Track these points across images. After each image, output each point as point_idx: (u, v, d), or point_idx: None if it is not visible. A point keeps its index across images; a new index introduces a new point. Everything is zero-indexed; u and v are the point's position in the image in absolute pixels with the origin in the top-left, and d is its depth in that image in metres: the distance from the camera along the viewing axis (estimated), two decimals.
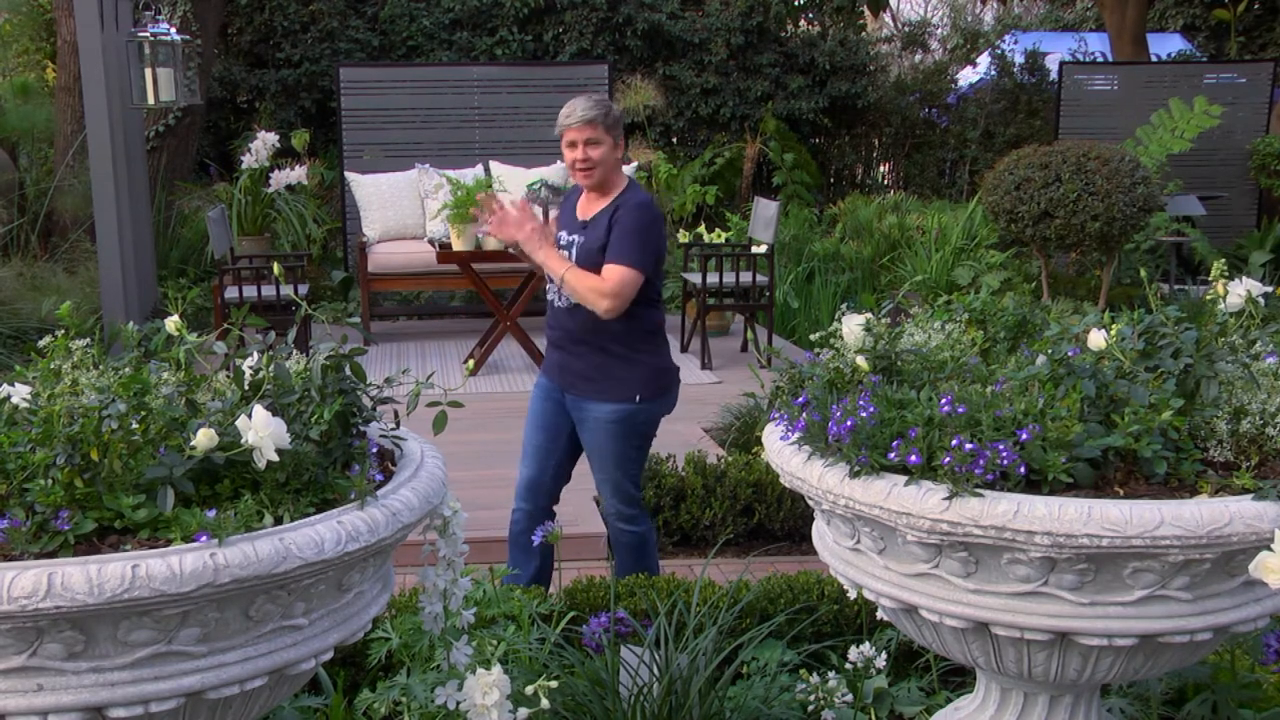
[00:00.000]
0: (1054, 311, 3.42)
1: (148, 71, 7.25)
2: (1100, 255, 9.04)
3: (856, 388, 2.29)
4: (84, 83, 7.02)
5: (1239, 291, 2.23)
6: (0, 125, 9.13)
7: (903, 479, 1.99)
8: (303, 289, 7.56)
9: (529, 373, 7.62)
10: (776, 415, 2.34)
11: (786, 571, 3.68)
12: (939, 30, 18.85)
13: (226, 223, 7.98)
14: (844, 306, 2.59)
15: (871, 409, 2.08)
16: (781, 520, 4.85)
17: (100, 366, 2.16)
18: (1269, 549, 1.75)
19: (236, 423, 1.78)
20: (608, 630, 2.99)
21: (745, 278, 7.98)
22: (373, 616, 1.96)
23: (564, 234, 3.71)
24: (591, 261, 3.55)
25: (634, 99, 11.43)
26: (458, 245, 7.60)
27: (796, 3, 13.56)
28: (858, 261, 10.29)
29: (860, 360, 2.31)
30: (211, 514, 1.68)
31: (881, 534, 2.08)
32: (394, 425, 2.19)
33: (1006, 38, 15.16)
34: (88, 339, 2.21)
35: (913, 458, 1.98)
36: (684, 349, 8.33)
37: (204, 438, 1.74)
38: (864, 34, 14.04)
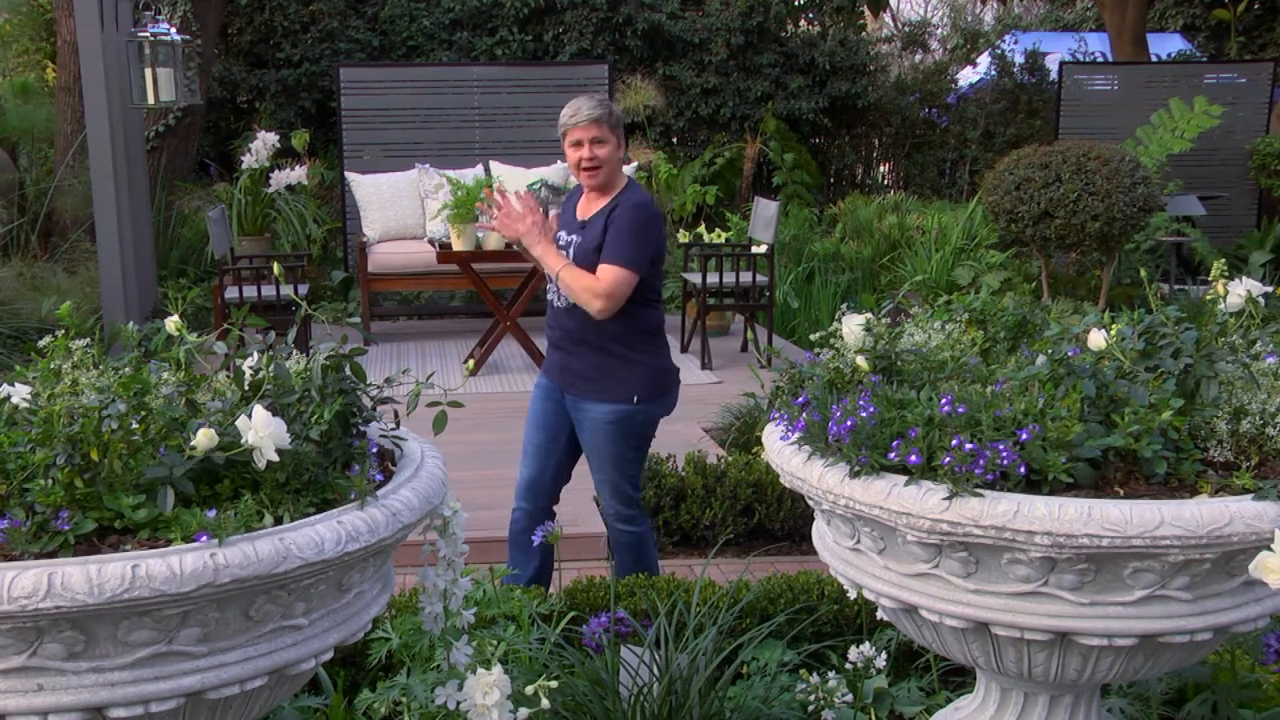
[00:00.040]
0: (1054, 311, 3.42)
1: (148, 71, 7.25)
2: (1100, 255, 9.04)
3: (856, 388, 2.29)
4: (84, 83, 7.02)
5: (1239, 291, 2.23)
6: (0, 125, 9.13)
7: (903, 479, 1.99)
8: (303, 289, 7.56)
9: (529, 373, 7.62)
10: (776, 415, 2.34)
11: (786, 571, 3.68)
12: (939, 30, 18.86)
13: (226, 223, 7.98)
14: (844, 306, 2.59)
15: (871, 409, 2.08)
16: (781, 520, 4.85)
17: (100, 366, 2.16)
18: (1269, 549, 1.75)
19: (236, 423, 1.78)
20: (608, 630, 2.99)
21: (745, 278, 7.98)
22: (373, 616, 1.97)
23: (563, 234, 3.71)
24: (588, 261, 3.55)
25: (634, 99, 11.43)
26: (458, 245, 7.60)
27: (796, 3, 13.56)
28: (858, 261, 10.29)
29: (860, 360, 2.31)
30: (211, 514, 1.68)
31: (881, 534, 2.08)
32: (394, 425, 2.19)
33: (1006, 38, 15.16)
34: (88, 339, 2.21)
35: (913, 458, 1.98)
36: (684, 349, 8.33)
37: (204, 438, 1.74)
38: (864, 34, 14.04)
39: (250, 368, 2.01)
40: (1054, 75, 12.50)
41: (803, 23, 13.93)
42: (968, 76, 15.32)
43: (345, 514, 1.80)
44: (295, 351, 2.07)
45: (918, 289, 9.13)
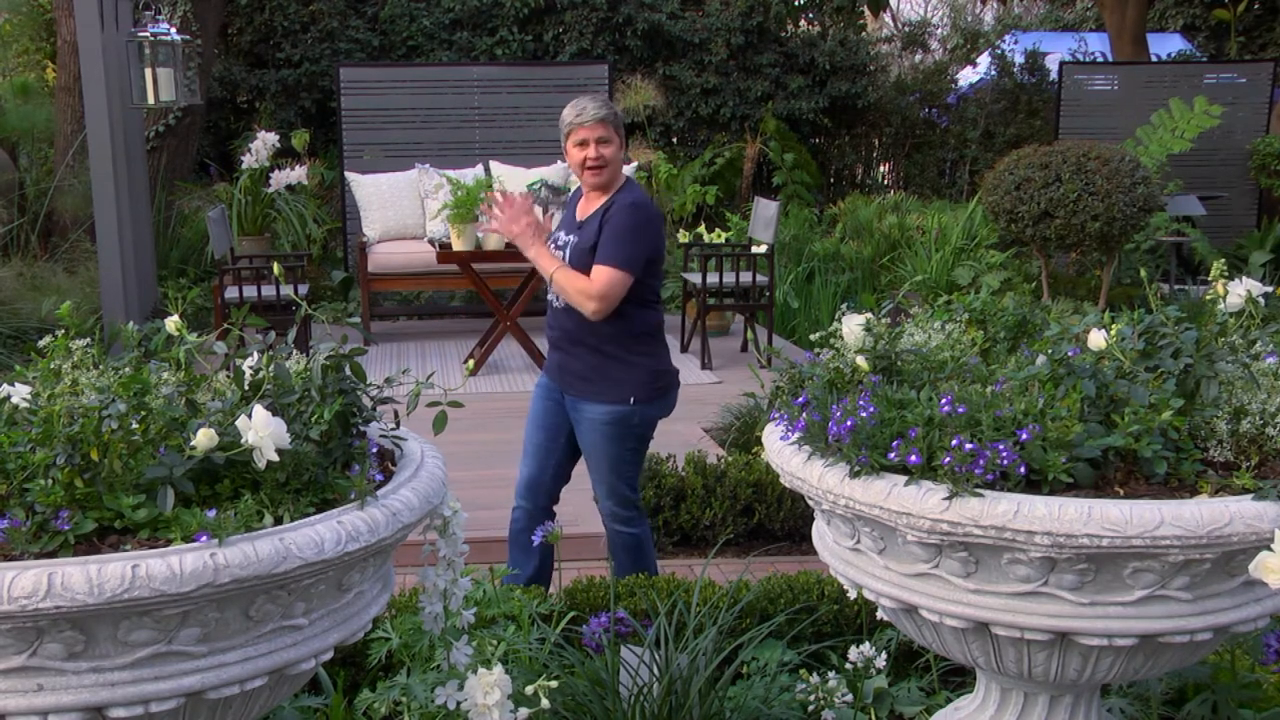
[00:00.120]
0: (1054, 311, 3.42)
1: (148, 71, 7.25)
2: (1100, 255, 9.04)
3: (856, 388, 2.29)
4: (84, 83, 7.02)
5: (1239, 291, 2.23)
6: (0, 125, 9.13)
7: (903, 479, 1.99)
8: (303, 289, 7.56)
9: (529, 373, 7.62)
10: (776, 415, 2.34)
11: (786, 571, 3.68)
12: (939, 30, 18.86)
13: (226, 223, 7.98)
14: (844, 306, 2.59)
15: (871, 409, 2.08)
16: (781, 520, 4.85)
17: (100, 366, 2.16)
18: (1269, 549, 1.75)
19: (236, 423, 1.78)
20: (608, 630, 2.99)
21: (745, 278, 7.98)
22: (373, 616, 1.97)
23: (561, 233, 3.71)
24: (582, 261, 3.55)
25: (634, 99, 11.43)
26: (458, 245, 7.60)
27: (796, 3, 13.56)
28: (858, 261, 10.29)
29: (860, 360, 2.31)
30: (211, 514, 1.68)
31: (881, 534, 2.08)
32: (394, 425, 2.19)
33: (1006, 38, 15.16)
34: (88, 339, 2.21)
35: (913, 458, 1.98)
36: (684, 349, 8.33)
37: (204, 438, 1.74)
38: (864, 34, 14.04)
39: (250, 368, 2.01)
40: (1054, 75, 12.50)
41: (803, 23, 13.93)
42: (968, 76, 15.32)
43: (345, 514, 1.80)
44: (295, 351, 2.07)
45: (918, 289, 9.13)
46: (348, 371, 1.99)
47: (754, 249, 8.18)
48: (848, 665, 2.96)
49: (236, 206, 9.72)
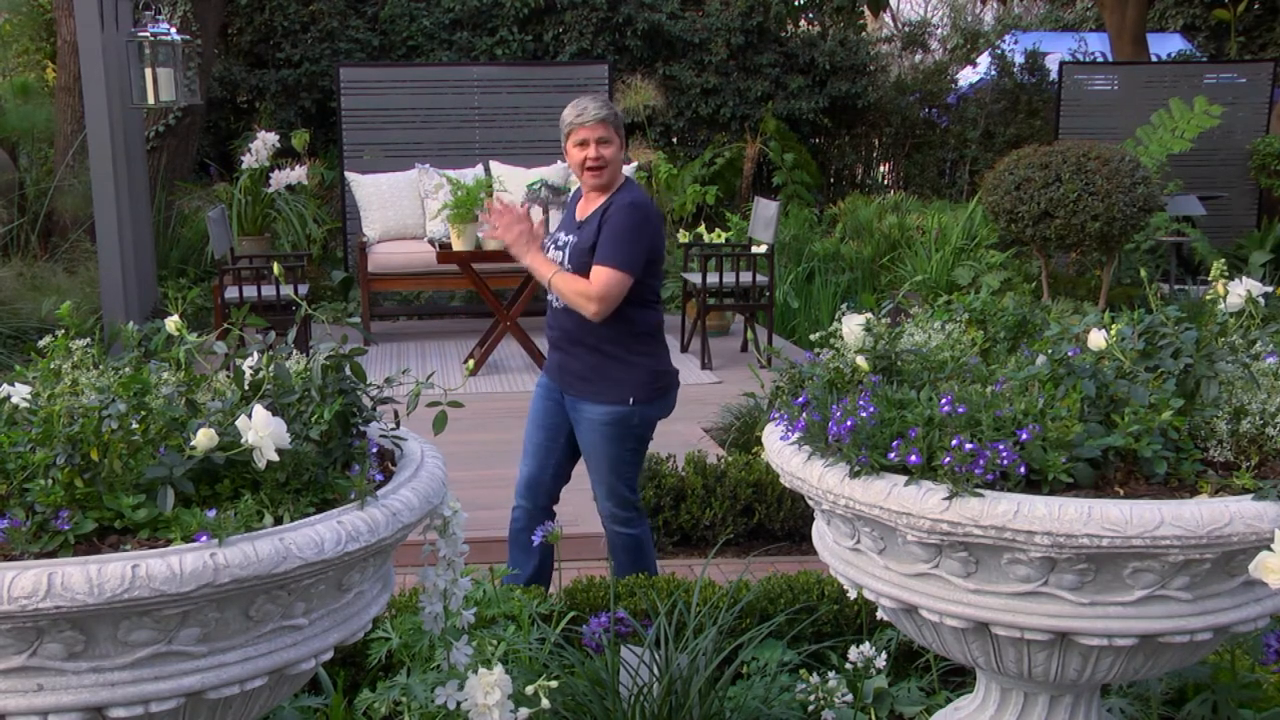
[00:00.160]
0: (1054, 311, 3.42)
1: (148, 71, 7.25)
2: (1100, 255, 9.04)
3: (856, 388, 2.29)
4: (84, 83, 7.02)
5: (1239, 291, 2.23)
6: (0, 125, 9.13)
7: (903, 479, 1.99)
8: (303, 289, 7.56)
9: (529, 373, 7.62)
10: (776, 415, 2.34)
11: (786, 571, 3.68)
12: (939, 30, 18.86)
13: (226, 223, 7.98)
14: (844, 306, 2.59)
15: (871, 409, 2.08)
16: (781, 520, 4.85)
17: (100, 366, 2.16)
18: (1269, 549, 1.75)
19: (236, 423, 1.78)
20: (608, 630, 2.99)
21: (745, 278, 7.98)
22: (373, 616, 1.97)
23: (561, 234, 3.71)
24: (581, 261, 3.55)
25: (634, 99, 11.43)
26: (458, 245, 7.60)
27: (796, 3, 13.56)
28: (858, 261, 10.29)
29: (860, 360, 2.31)
30: (211, 514, 1.68)
31: (881, 534, 2.08)
32: (394, 425, 2.19)
33: (1006, 38, 15.16)
34: (88, 339, 2.21)
35: (913, 458, 1.98)
36: (684, 349, 8.33)
37: (204, 438, 1.74)
38: (864, 34, 14.04)
39: (250, 368, 2.01)
40: (1054, 75, 12.50)
41: (803, 23, 13.93)
42: (968, 76, 15.32)
43: (345, 514, 1.80)
44: (295, 351, 2.07)
45: (918, 289, 9.13)
46: (348, 371, 1.99)
47: (754, 249, 8.18)
48: (848, 665, 2.96)
49: (236, 206, 9.72)
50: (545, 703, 2.35)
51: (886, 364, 2.34)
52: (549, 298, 3.71)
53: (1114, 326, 2.23)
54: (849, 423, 2.07)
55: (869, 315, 2.38)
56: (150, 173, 9.09)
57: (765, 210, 8.29)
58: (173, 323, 2.15)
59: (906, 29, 16.46)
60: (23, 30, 10.83)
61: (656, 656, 2.84)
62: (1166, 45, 14.61)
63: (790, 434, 2.25)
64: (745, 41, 12.75)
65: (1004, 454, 1.93)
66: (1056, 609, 1.96)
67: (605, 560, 4.13)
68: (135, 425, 1.79)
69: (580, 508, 4.31)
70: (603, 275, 3.48)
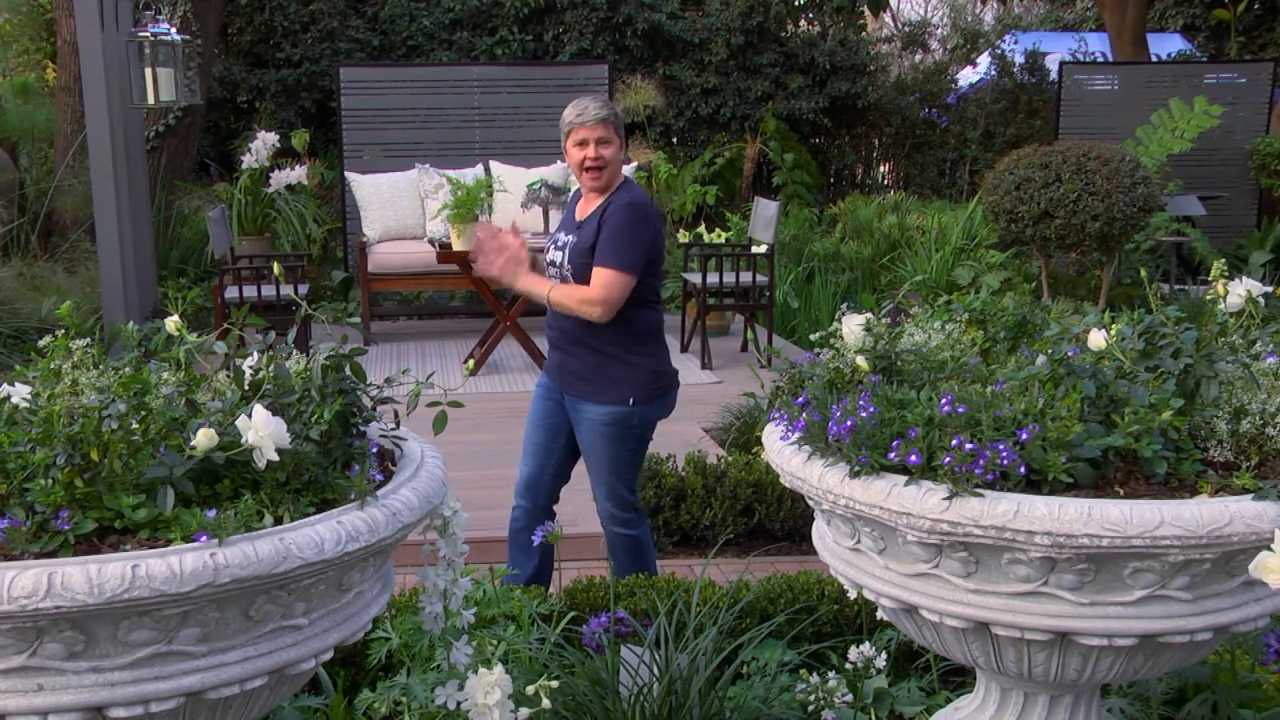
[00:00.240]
0: (1054, 311, 3.42)
1: (148, 71, 7.25)
2: (1100, 255, 9.04)
3: (856, 388, 2.29)
4: (84, 83, 7.02)
5: (1239, 291, 2.23)
6: (0, 125, 9.13)
7: (903, 479, 1.99)
8: (303, 289, 7.56)
9: (529, 373, 7.62)
10: (776, 415, 2.34)
11: (786, 571, 3.68)
12: (939, 30, 18.86)
13: (226, 223, 7.98)
14: (844, 306, 2.59)
15: (871, 409, 2.08)
16: (781, 520, 4.85)
17: (100, 366, 2.16)
18: (1269, 549, 1.74)
19: (236, 423, 1.78)
20: (608, 630, 2.99)
21: (745, 278, 7.98)
22: (373, 616, 1.96)
23: (561, 234, 3.71)
24: (581, 261, 3.55)
25: (634, 99, 11.43)
26: (458, 245, 7.59)
27: (796, 3, 13.57)
28: (858, 261, 10.29)
29: (860, 360, 2.31)
30: (211, 514, 1.68)
31: (881, 534, 2.08)
32: (394, 425, 2.19)
33: (1006, 38, 15.17)
34: (88, 339, 2.21)
35: (913, 458, 1.98)
36: (684, 349, 8.33)
37: (204, 438, 1.74)
38: (864, 34, 14.04)
39: (250, 368, 2.01)
40: (1054, 75, 12.50)
41: (803, 23, 13.93)
42: (968, 76, 15.32)
43: (345, 514, 1.80)
44: (295, 351, 2.07)
45: (918, 289, 9.13)
46: (348, 371, 1.99)
47: (754, 249, 8.18)
48: (848, 665, 2.96)
49: (236, 206, 9.72)
50: (545, 703, 2.35)
51: (886, 364, 2.34)
52: None
53: (1114, 326, 2.23)
54: (849, 423, 2.07)
55: (869, 315, 2.38)
56: (150, 173, 9.09)
57: (765, 210, 8.29)
58: (173, 323, 2.15)
59: (906, 29, 16.46)
60: (23, 30, 10.83)
61: (656, 656, 2.84)
62: (1166, 45, 14.61)
63: (790, 434, 2.25)
64: (745, 41, 12.75)
65: (1004, 454, 1.93)
66: (1056, 609, 1.96)
67: (605, 560, 4.13)
68: (135, 425, 1.79)
69: (580, 508, 4.30)
70: (603, 277, 3.48)
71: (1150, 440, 1.98)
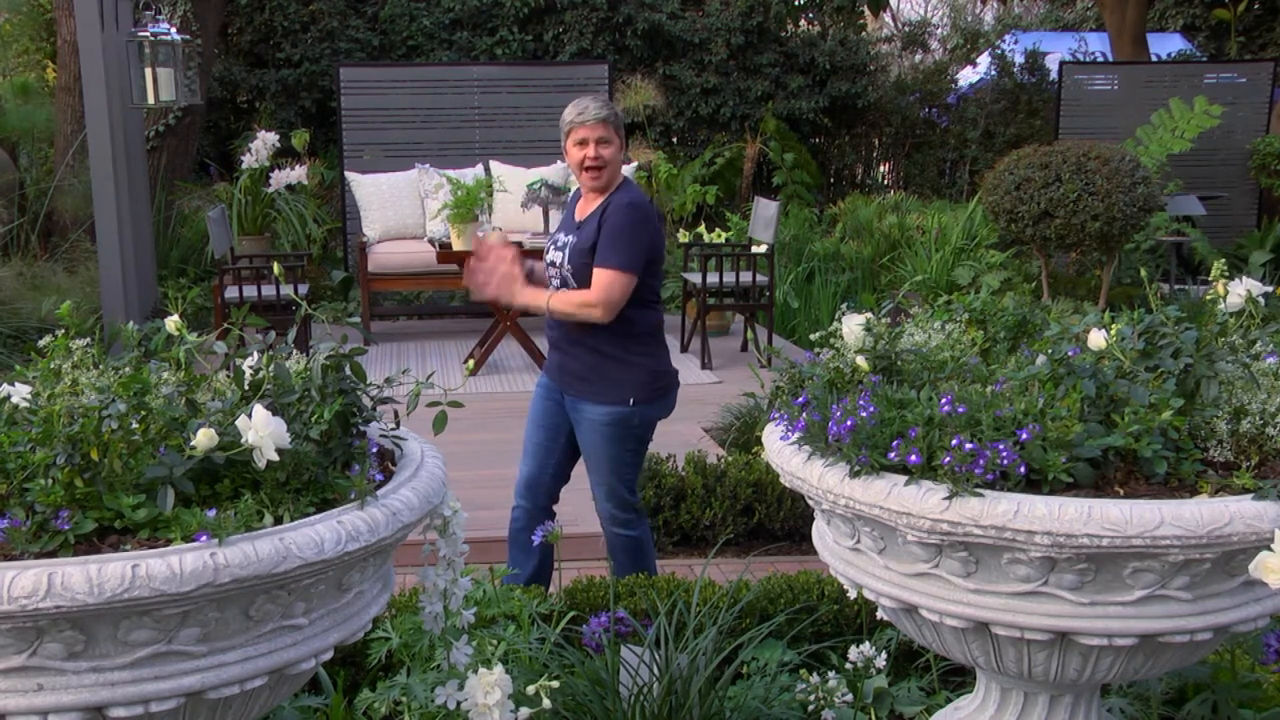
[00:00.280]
0: (1054, 311, 3.42)
1: (148, 71, 7.25)
2: (1100, 255, 9.04)
3: (856, 388, 2.29)
4: (84, 83, 7.02)
5: (1239, 291, 2.23)
6: (0, 125, 9.13)
7: (903, 479, 1.99)
8: (303, 289, 7.56)
9: (529, 373, 7.62)
10: (776, 415, 2.34)
11: (786, 571, 3.68)
12: (939, 30, 18.86)
13: (226, 223, 7.99)
14: (844, 306, 2.59)
15: (871, 409, 2.08)
16: (781, 520, 4.85)
17: (100, 366, 2.16)
18: (1269, 549, 1.74)
19: (236, 422, 1.78)
20: (608, 630, 2.99)
21: (745, 278, 7.98)
22: (373, 616, 1.96)
23: (561, 234, 3.71)
24: (581, 261, 3.55)
25: (634, 99, 11.43)
26: (458, 245, 7.59)
27: (796, 3, 13.57)
28: (858, 261, 10.29)
29: (860, 360, 2.31)
30: (211, 514, 1.68)
31: (881, 534, 2.08)
32: (394, 425, 2.19)
33: (1006, 38, 15.16)
34: (88, 339, 2.21)
35: (913, 457, 1.98)
36: (684, 349, 8.33)
37: (204, 437, 1.74)
38: (864, 34, 14.04)
39: (250, 367, 2.01)
40: (1054, 75, 12.50)
41: (803, 23, 13.93)
42: (968, 76, 15.32)
43: (345, 514, 1.80)
44: (295, 351, 2.07)
45: (918, 289, 9.13)
46: (348, 371, 1.99)
47: (754, 249, 8.18)
48: (848, 665, 2.96)
49: (236, 206, 9.72)
50: (546, 702, 2.35)
51: (886, 364, 2.34)
52: None
53: (1114, 326, 2.23)
54: (849, 422, 2.07)
55: (869, 315, 2.38)
56: (150, 173, 9.09)
57: (765, 210, 8.29)
58: (173, 322, 2.15)
59: (906, 29, 16.46)
60: (23, 30, 10.83)
61: (656, 656, 2.84)
62: (1166, 45, 14.61)
63: (790, 434, 2.25)
64: (745, 41, 12.75)
65: (1004, 454, 1.93)
66: (1056, 609, 1.96)
67: (605, 560, 4.13)
68: (135, 425, 1.79)
69: (580, 508, 4.30)
70: (604, 277, 3.48)
71: (1150, 440, 1.98)
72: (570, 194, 3.84)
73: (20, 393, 1.95)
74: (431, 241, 8.15)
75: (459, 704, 2.19)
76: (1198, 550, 1.87)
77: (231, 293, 7.38)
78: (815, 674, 2.93)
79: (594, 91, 8.39)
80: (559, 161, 8.87)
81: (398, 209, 9.09)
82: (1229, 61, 12.28)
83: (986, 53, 15.05)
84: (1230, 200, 10.97)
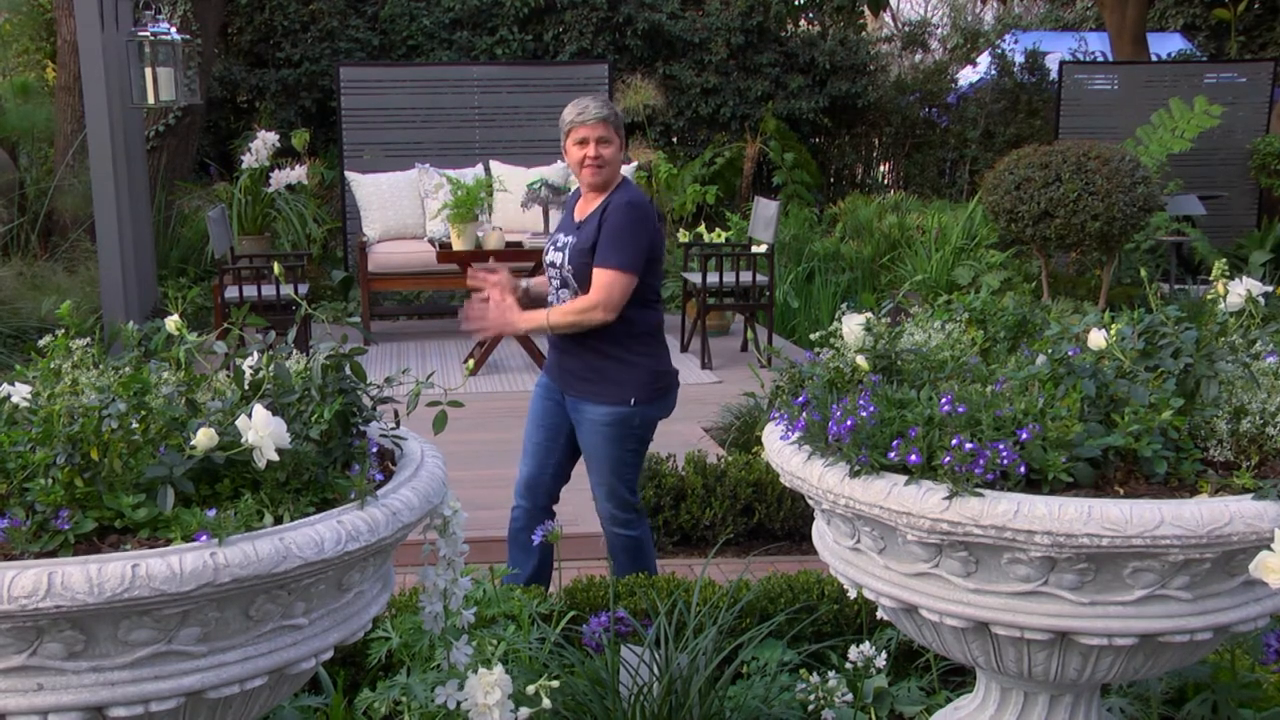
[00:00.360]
0: (1054, 311, 3.42)
1: (148, 71, 7.25)
2: (1100, 255, 9.04)
3: (856, 387, 2.29)
4: (84, 82, 7.02)
5: (1239, 291, 2.23)
6: (0, 125, 9.13)
7: (903, 478, 1.99)
8: (303, 289, 7.56)
9: (529, 373, 7.62)
10: (776, 415, 2.34)
11: (786, 571, 3.68)
12: (939, 30, 18.86)
13: (226, 222, 7.99)
14: (844, 306, 2.59)
15: (871, 408, 2.08)
16: (781, 520, 4.85)
17: (100, 366, 2.16)
18: (1269, 548, 1.74)
19: (236, 422, 1.78)
20: (608, 630, 2.99)
21: (745, 277, 7.98)
22: (373, 616, 1.96)
23: (561, 235, 3.71)
24: (581, 261, 3.55)
25: (634, 99, 11.43)
26: (458, 245, 7.60)
27: (796, 2, 13.57)
28: (858, 261, 10.29)
29: (860, 360, 2.31)
30: (211, 513, 1.68)
31: (881, 533, 2.08)
32: (394, 425, 2.19)
33: (1006, 37, 15.16)
34: (88, 338, 2.21)
35: (913, 457, 1.98)
36: (684, 349, 8.33)
37: (204, 437, 1.74)
38: (864, 34, 14.04)
39: (250, 367, 2.01)
40: (1054, 75, 12.50)
41: (803, 22, 13.94)
42: (968, 76, 15.32)
43: (345, 513, 1.80)
44: (295, 351, 2.07)
45: (918, 289, 9.13)
46: (348, 371, 1.99)
47: (754, 249, 8.18)
48: (848, 665, 2.96)
49: (236, 206, 9.72)
50: (546, 702, 2.35)
51: (886, 364, 2.34)
52: (549, 298, 3.71)
53: (1114, 326, 2.23)
54: (849, 422, 2.07)
55: (869, 315, 2.38)
56: (150, 172, 9.09)
57: (765, 210, 8.29)
58: (173, 322, 2.15)
59: (906, 29, 16.46)
60: (23, 30, 10.83)
61: (656, 656, 2.84)
62: (1166, 45, 14.61)
63: (790, 433, 2.25)
64: (745, 41, 12.75)
65: (1004, 454, 1.93)
66: (1056, 609, 1.96)
67: (605, 560, 4.14)
68: (135, 425, 1.79)
69: (580, 508, 4.30)
70: (604, 278, 3.48)
71: (1150, 440, 1.98)
72: (570, 193, 3.84)
73: (20, 392, 1.95)
74: (431, 241, 8.15)
75: (459, 704, 2.19)
76: (1198, 550, 1.87)
77: (231, 293, 7.38)
78: (815, 674, 2.93)
79: (594, 91, 8.39)
80: (559, 161, 8.87)
81: (398, 209, 9.09)
82: (1229, 61, 12.28)
83: (986, 52, 15.05)
84: (1230, 200, 10.97)
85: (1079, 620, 1.96)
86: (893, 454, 2.01)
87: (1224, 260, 2.43)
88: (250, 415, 1.77)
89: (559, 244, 3.67)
